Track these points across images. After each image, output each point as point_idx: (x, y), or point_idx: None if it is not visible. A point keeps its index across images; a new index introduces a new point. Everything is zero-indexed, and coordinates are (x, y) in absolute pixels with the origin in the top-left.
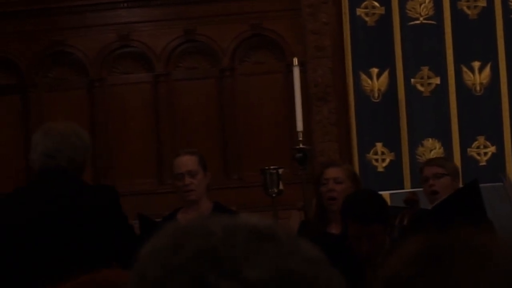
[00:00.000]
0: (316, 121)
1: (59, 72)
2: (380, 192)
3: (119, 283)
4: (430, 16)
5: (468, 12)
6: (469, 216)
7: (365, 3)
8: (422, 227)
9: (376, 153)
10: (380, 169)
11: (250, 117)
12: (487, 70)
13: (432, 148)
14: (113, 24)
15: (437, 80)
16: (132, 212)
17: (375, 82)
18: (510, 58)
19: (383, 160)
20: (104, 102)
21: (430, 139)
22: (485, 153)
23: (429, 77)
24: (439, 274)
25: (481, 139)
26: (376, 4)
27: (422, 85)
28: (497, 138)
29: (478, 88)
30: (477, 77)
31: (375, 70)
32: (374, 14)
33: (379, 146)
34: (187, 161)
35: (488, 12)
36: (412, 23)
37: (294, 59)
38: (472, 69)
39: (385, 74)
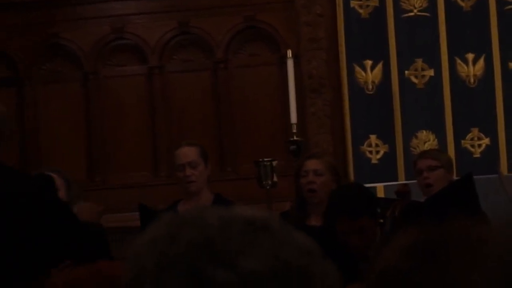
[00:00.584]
0: (310, 113)
1: (54, 65)
2: (374, 184)
3: (113, 275)
4: (424, 8)
5: (462, 4)
6: (464, 209)
7: None
8: (414, 219)
9: (370, 145)
10: (374, 161)
11: (245, 109)
12: (481, 62)
13: (426, 140)
14: (108, 17)
15: (431, 72)
16: (127, 204)
17: (369, 74)
18: (504, 50)
19: (377, 152)
20: (99, 94)
21: (424, 131)
22: (479, 145)
23: (423, 69)
24: (434, 267)
25: (475, 131)
26: None
27: (416, 77)
28: (491, 130)
29: (472, 80)
30: (471, 69)
31: (369, 62)
32: (368, 6)
33: (373, 138)
34: (188, 152)
35: (482, 4)
36: (406, 15)
37: (288, 51)
38: (466, 61)
39: (379, 66)
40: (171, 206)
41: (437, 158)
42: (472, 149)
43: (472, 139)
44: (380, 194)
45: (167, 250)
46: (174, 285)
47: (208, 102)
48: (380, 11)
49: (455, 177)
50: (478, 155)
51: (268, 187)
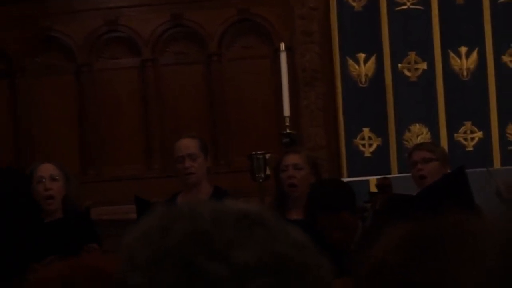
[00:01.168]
0: (303, 106)
1: (47, 57)
2: (367, 177)
3: (101, 268)
4: (417, 1)
5: None
6: (456, 202)
7: None
8: (400, 213)
9: (363, 138)
10: (367, 154)
11: (238, 102)
12: (474, 55)
13: (419, 133)
14: (101, 9)
15: (424, 65)
16: (120, 197)
17: (362, 67)
18: (497, 44)
19: (370, 145)
20: (92, 87)
21: (417, 124)
22: (472, 138)
23: (416, 62)
24: (427, 261)
25: (468, 124)
26: None
27: (409, 70)
28: (484, 124)
29: (465, 73)
30: (464, 62)
31: (362, 56)
32: None
33: (366, 131)
34: (188, 144)
35: None
36: (399, 8)
37: (281, 44)
38: (459, 54)
39: (372, 59)
40: (170, 199)
41: (432, 151)
42: (465, 143)
43: (465, 132)
44: (373, 187)
45: (160, 242)
46: (167, 277)
47: (201, 95)
48: (373, 4)
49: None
50: (471, 149)
51: (261, 180)
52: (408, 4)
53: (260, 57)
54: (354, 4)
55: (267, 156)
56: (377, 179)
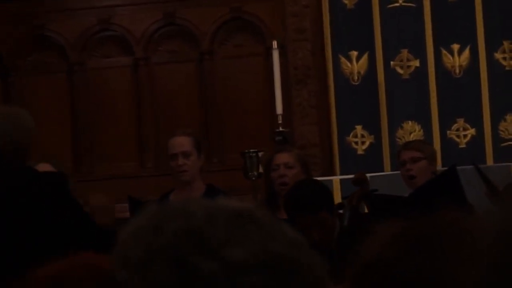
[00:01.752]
0: (296, 104)
1: (40, 56)
2: None
3: (98, 266)
4: None
5: None
6: (450, 201)
7: None
8: (394, 214)
9: (355, 136)
10: (360, 152)
11: (231, 100)
12: (466, 53)
13: (411, 131)
14: (94, 8)
15: (417, 63)
16: (114, 195)
17: (355, 65)
18: (489, 41)
19: (363, 143)
20: (85, 86)
21: (410, 122)
22: (465, 136)
23: (408, 60)
24: (419, 259)
25: (460, 122)
26: None
27: (401, 67)
28: (476, 121)
29: (457, 70)
30: (457, 59)
31: (354, 53)
32: None
33: (358, 129)
34: (182, 142)
35: None
36: (391, 5)
37: (273, 42)
38: (451, 52)
39: (365, 57)
40: (163, 196)
41: (420, 150)
42: (457, 140)
43: (457, 129)
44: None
45: (153, 241)
46: (160, 275)
47: (194, 93)
48: (365, 1)
49: (438, 168)
50: (463, 146)
51: (254, 178)
52: (400, 1)
53: (253, 55)
54: (346, 1)
55: (260, 154)
56: (354, 175)
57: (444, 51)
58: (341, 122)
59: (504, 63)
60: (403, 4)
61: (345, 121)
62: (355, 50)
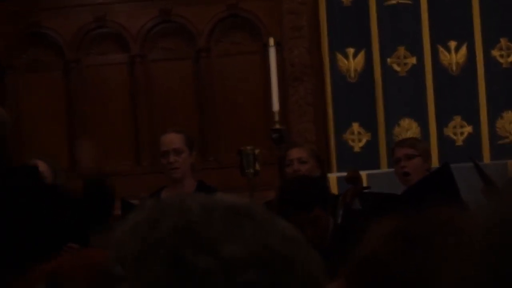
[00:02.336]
0: (292, 101)
1: (35, 54)
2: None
3: (96, 261)
4: None
5: None
6: (444, 198)
7: None
8: (388, 212)
9: (352, 133)
10: (356, 149)
11: (227, 98)
12: (463, 50)
13: (408, 128)
14: (89, 5)
15: (413, 60)
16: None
17: (351, 62)
18: (486, 38)
19: (360, 140)
20: (81, 83)
21: (407, 119)
22: (462, 133)
23: (405, 57)
24: (415, 255)
25: (457, 119)
26: None
27: (398, 65)
28: (473, 118)
29: (454, 68)
30: (453, 56)
31: (351, 50)
32: None
33: (355, 126)
34: (173, 139)
35: None
36: (388, 3)
37: (270, 40)
38: (448, 49)
39: (361, 54)
40: (154, 193)
41: (414, 147)
42: (454, 137)
43: (454, 127)
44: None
45: (148, 235)
46: (155, 271)
47: (190, 91)
48: None
49: (433, 166)
50: (460, 143)
51: (250, 176)
52: None
53: (249, 52)
54: None
55: (257, 151)
56: (347, 172)
57: (441, 48)
58: (338, 120)
59: (501, 60)
60: (400, 1)
61: (342, 119)
62: (352, 47)
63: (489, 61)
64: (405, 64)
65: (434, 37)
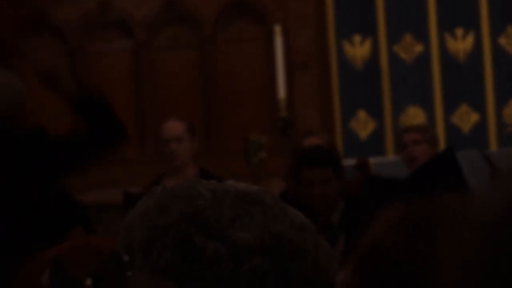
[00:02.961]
0: (298, 89)
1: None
2: None
3: (101, 247)
4: None
5: None
6: (449, 184)
7: None
8: (393, 196)
9: (358, 121)
10: (362, 137)
11: (232, 85)
12: (470, 37)
13: (415, 116)
14: None
15: (420, 48)
16: (112, 181)
17: (358, 50)
18: (493, 25)
19: (366, 128)
20: (85, 70)
21: (413, 107)
22: (468, 121)
23: (412, 45)
24: (422, 242)
25: (464, 107)
26: None
27: (405, 52)
28: (480, 106)
29: (461, 55)
30: (460, 44)
31: (357, 38)
32: None
33: (361, 113)
34: (174, 127)
35: None
36: None
37: (276, 27)
38: (455, 36)
39: (368, 41)
40: (154, 181)
41: (421, 133)
42: (461, 125)
43: (461, 114)
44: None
45: (158, 220)
46: (164, 255)
47: (195, 78)
48: None
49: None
50: (467, 131)
51: (255, 164)
52: None
53: (255, 39)
54: None
55: (262, 139)
56: (356, 159)
57: (447, 36)
58: (344, 107)
59: (508, 48)
60: None
61: (348, 106)
62: (358, 35)
63: (496, 49)
64: (412, 51)
65: (441, 25)
